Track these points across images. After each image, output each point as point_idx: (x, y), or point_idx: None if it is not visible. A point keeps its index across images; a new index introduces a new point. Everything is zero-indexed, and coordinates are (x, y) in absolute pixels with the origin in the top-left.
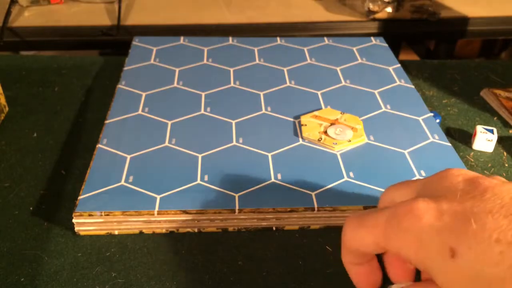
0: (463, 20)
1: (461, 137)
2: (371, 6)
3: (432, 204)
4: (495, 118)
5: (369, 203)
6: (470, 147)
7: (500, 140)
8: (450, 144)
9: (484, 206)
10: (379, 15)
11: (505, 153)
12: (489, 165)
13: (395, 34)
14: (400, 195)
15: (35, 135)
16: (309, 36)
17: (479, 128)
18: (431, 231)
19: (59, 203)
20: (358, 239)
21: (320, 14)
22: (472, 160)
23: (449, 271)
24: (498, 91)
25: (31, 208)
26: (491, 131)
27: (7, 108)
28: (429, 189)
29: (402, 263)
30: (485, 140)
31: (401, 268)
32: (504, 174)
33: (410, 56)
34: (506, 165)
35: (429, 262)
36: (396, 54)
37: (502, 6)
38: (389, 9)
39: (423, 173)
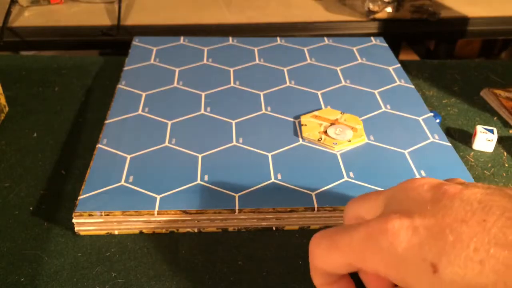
0: (463, 20)
1: (461, 137)
2: (371, 6)
3: (406, 220)
4: (495, 118)
5: None
6: (470, 147)
7: (500, 140)
8: (450, 144)
9: (456, 215)
10: (379, 15)
11: (505, 153)
12: (489, 165)
13: (395, 34)
14: (366, 210)
15: (35, 135)
16: (309, 36)
17: (479, 128)
18: (409, 249)
19: (59, 203)
20: (330, 261)
21: (320, 14)
22: (472, 160)
23: (433, 287)
24: (498, 91)
25: (31, 208)
26: (491, 131)
27: (7, 108)
28: (396, 202)
29: (381, 280)
30: (485, 140)
31: (381, 285)
32: (504, 174)
33: (410, 56)
34: (506, 165)
35: (411, 280)
36: (396, 54)
37: (502, 6)
38: (389, 9)
39: (423, 173)
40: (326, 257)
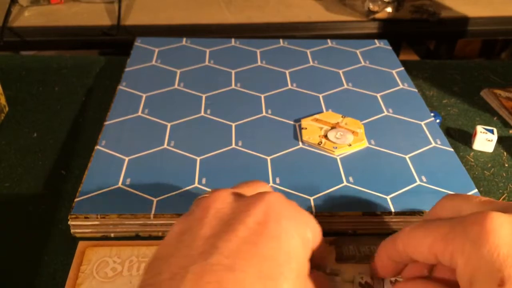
0: (463, 20)
1: (461, 137)
2: (371, 6)
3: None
4: (495, 118)
5: (368, 209)
6: (470, 147)
7: (500, 140)
8: (452, 150)
9: None
10: (379, 15)
11: (505, 153)
12: (489, 165)
13: (395, 34)
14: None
15: (35, 135)
16: (309, 35)
17: (479, 128)
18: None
19: (58, 203)
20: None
21: (320, 14)
22: (472, 160)
23: None
24: (498, 91)
25: (31, 208)
26: (491, 131)
27: (7, 108)
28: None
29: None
30: (485, 140)
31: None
32: (504, 174)
33: (410, 56)
34: (506, 165)
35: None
36: (396, 54)
37: (502, 6)
38: (389, 9)
39: (424, 179)
40: (411, 237)
